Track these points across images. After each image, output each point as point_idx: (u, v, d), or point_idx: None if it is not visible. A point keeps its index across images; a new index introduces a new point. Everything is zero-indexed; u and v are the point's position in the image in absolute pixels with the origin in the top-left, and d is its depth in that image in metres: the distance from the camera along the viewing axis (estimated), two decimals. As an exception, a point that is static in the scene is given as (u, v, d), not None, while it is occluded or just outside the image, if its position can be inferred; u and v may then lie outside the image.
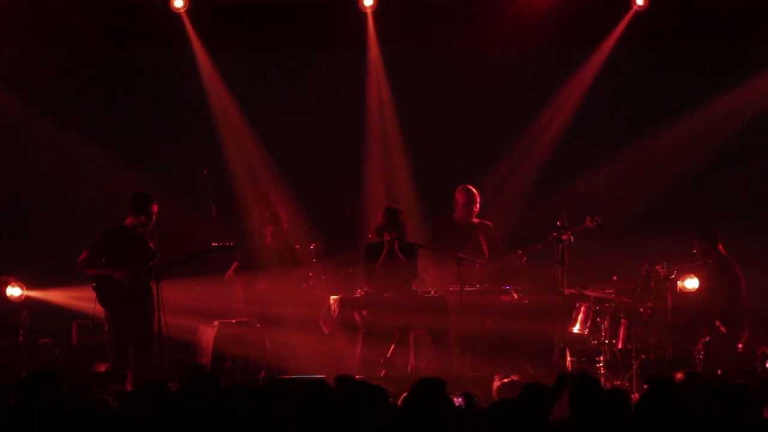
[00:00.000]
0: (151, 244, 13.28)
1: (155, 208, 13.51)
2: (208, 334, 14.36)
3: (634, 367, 13.60)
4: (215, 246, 13.79)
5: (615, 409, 7.37)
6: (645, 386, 8.64)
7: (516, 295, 14.48)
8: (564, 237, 14.13)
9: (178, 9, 15.85)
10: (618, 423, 7.27)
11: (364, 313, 13.82)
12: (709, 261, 14.48)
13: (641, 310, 14.01)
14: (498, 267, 14.88)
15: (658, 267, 14.04)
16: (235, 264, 14.82)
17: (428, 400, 7.58)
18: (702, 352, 13.74)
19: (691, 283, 14.60)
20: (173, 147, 16.70)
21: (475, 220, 15.05)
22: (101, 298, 13.37)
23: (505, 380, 12.20)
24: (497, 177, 16.65)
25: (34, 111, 16.23)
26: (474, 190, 15.01)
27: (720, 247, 14.54)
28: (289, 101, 16.90)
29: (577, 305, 14.26)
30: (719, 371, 13.30)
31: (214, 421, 7.56)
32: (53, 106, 16.30)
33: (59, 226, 16.07)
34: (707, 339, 13.83)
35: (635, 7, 16.11)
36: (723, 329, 13.99)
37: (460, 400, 9.07)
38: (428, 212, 15.85)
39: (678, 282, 14.44)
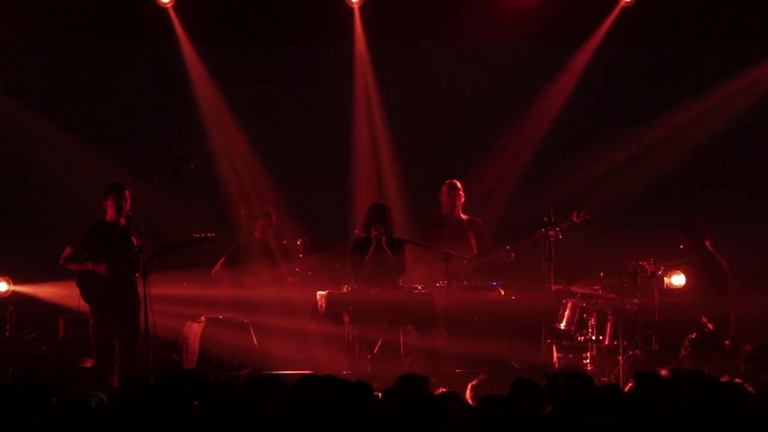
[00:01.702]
0: (133, 239, 13.24)
1: (127, 193, 13.42)
2: (195, 329, 14.35)
3: (621, 363, 13.61)
4: (196, 237, 13.72)
5: (608, 405, 7.39)
6: (631, 382, 8.66)
7: (503, 291, 14.50)
8: (551, 233, 14.15)
9: (165, 4, 15.86)
10: (610, 418, 7.28)
11: (351, 308, 13.80)
12: (696, 257, 14.49)
13: (628, 306, 14.00)
14: (487, 263, 14.90)
15: (644, 263, 14.03)
16: (223, 259, 14.81)
17: (411, 396, 7.57)
18: (688, 349, 13.75)
19: (678, 280, 14.63)
20: (161, 141, 16.68)
21: (464, 216, 15.07)
22: (84, 294, 13.30)
23: (474, 382, 12.18)
24: (486, 172, 16.66)
25: (20, 105, 16.18)
26: (458, 183, 15.06)
27: (707, 243, 14.54)
28: (276, 96, 16.88)
29: (564, 301, 14.28)
30: (705, 368, 13.32)
31: (198, 417, 7.54)
32: (39, 101, 16.26)
33: (46, 220, 16.04)
34: (694, 335, 13.84)
35: (622, 3, 16.16)
36: (710, 326, 13.98)
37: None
38: (416, 208, 15.86)
39: (665, 278, 14.45)
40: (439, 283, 14.12)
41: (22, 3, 15.51)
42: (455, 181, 15.10)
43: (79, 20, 15.74)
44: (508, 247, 14.74)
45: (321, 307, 13.86)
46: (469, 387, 11.78)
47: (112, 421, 7.18)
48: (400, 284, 14.23)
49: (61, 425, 7.13)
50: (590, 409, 7.28)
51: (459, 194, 15.03)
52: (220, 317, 14.50)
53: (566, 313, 14.21)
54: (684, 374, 9.22)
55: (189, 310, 14.56)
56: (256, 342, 14.15)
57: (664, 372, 10.56)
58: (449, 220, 15.01)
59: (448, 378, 12.73)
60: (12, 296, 15.52)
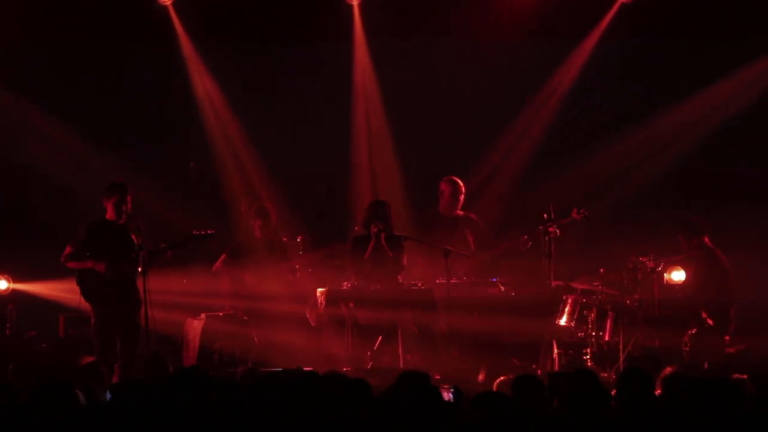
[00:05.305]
0: (133, 236, 13.24)
1: (129, 193, 13.42)
2: (195, 326, 14.36)
3: (621, 359, 13.61)
4: (196, 234, 13.71)
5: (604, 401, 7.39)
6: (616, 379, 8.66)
7: (503, 288, 14.50)
8: (551, 229, 14.13)
9: (164, 2, 15.87)
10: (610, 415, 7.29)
11: (351, 305, 13.80)
12: (696, 253, 14.48)
13: (628, 302, 14.02)
14: (503, 251, 14.82)
15: (644, 259, 14.04)
16: (224, 255, 14.81)
17: (411, 392, 7.57)
18: (689, 345, 13.76)
19: (678, 276, 14.62)
20: (160, 139, 16.68)
21: (460, 212, 15.05)
22: (84, 293, 13.29)
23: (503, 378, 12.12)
24: (484, 169, 16.64)
25: (19, 102, 16.17)
26: (459, 181, 15.04)
27: (706, 239, 14.55)
28: (275, 93, 16.87)
29: (564, 297, 14.24)
30: (706, 364, 13.34)
31: (196, 415, 7.54)
32: (39, 98, 16.25)
33: (46, 218, 16.01)
34: (694, 331, 13.85)
35: (620, 0, 16.14)
36: (710, 322, 13.99)
37: (448, 393, 9.07)
38: (415, 205, 15.85)
39: (665, 274, 14.45)
40: (439, 279, 14.11)
41: (22, 3, 15.50)
42: (456, 179, 15.07)
43: (78, 20, 15.73)
44: (525, 237, 14.61)
45: (320, 303, 13.86)
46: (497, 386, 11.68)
47: (109, 421, 7.17)
48: (400, 281, 14.23)
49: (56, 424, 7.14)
50: (593, 406, 7.28)
51: (459, 191, 15.00)
52: (221, 314, 14.51)
53: (566, 309, 14.18)
54: (685, 374, 9.20)
55: (190, 307, 14.57)
56: (256, 338, 14.16)
57: (669, 369, 10.57)
58: (446, 217, 14.99)
59: (449, 374, 12.75)
60: (12, 294, 15.51)
